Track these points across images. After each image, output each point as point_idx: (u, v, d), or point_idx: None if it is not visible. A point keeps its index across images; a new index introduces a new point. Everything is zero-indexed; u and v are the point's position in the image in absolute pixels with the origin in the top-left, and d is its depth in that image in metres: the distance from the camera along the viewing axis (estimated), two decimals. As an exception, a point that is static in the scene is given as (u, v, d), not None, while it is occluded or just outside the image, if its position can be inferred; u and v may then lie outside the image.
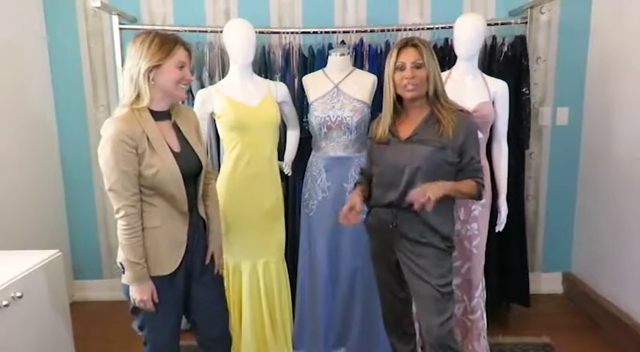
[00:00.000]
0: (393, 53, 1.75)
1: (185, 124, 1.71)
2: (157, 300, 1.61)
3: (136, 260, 1.55)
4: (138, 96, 1.55)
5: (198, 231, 1.76)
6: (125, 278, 1.60)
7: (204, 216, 1.79)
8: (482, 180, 1.81)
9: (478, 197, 1.81)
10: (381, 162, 1.81)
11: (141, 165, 1.53)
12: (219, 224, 1.89)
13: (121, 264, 1.60)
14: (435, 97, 1.76)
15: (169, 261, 1.64)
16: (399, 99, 1.80)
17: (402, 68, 1.73)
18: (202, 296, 1.78)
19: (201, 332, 1.84)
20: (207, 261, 1.80)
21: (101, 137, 1.53)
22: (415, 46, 1.73)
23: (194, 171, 1.70)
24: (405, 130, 1.79)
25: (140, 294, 1.58)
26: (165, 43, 1.54)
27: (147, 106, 1.57)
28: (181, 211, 1.65)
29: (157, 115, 1.61)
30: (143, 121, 1.55)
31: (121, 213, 1.53)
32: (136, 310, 1.66)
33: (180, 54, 1.58)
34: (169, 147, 1.61)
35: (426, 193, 1.57)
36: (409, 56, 1.73)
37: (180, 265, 1.65)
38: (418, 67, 1.72)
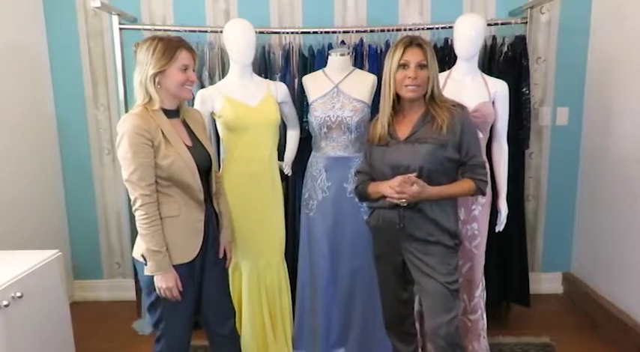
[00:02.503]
0: (398, 51, 1.74)
1: (193, 123, 1.81)
2: (181, 288, 1.65)
3: (157, 248, 1.60)
4: (150, 99, 1.64)
5: (212, 222, 1.82)
6: (148, 270, 1.62)
7: (217, 211, 1.85)
8: (485, 176, 1.81)
9: (480, 192, 1.81)
10: (382, 164, 1.80)
11: (157, 157, 1.60)
12: (230, 220, 1.95)
13: (142, 256, 1.63)
14: (432, 97, 1.77)
15: (189, 249, 1.69)
16: (396, 99, 1.80)
17: (405, 66, 1.73)
18: (213, 290, 1.83)
19: (213, 328, 1.88)
20: (221, 255, 1.87)
21: (117, 134, 1.61)
22: (420, 46, 1.73)
23: (205, 165, 1.77)
24: (403, 130, 1.79)
25: (165, 282, 1.62)
26: (167, 48, 1.62)
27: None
28: (197, 200, 1.70)
29: (168, 113, 1.69)
30: (156, 117, 1.64)
31: (139, 203, 1.58)
32: (154, 304, 1.69)
33: (182, 57, 1.65)
34: (182, 141, 1.69)
35: (405, 190, 1.64)
36: (414, 56, 1.72)
37: (198, 253, 1.71)
38: (422, 67, 1.72)
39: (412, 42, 1.74)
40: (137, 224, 1.61)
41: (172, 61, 1.62)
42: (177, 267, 1.66)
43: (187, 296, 1.71)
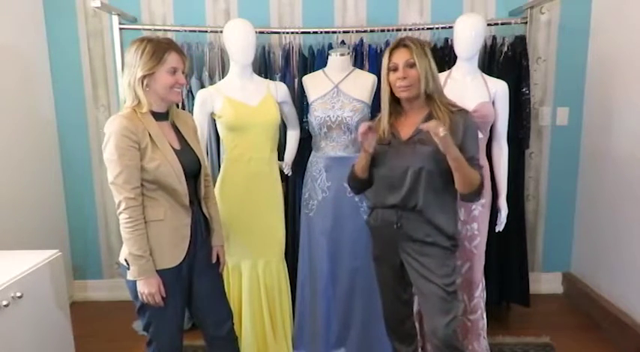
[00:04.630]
0: (386, 55, 1.76)
1: (184, 127, 1.77)
2: (164, 294, 1.63)
3: (140, 253, 1.57)
4: (139, 102, 1.61)
5: (201, 226, 1.79)
6: (131, 274, 1.60)
7: (207, 215, 1.83)
8: (482, 177, 1.80)
9: (477, 194, 1.75)
10: (383, 163, 1.80)
11: (143, 160, 1.57)
12: (221, 224, 1.92)
13: (125, 260, 1.61)
14: (432, 96, 1.75)
15: (174, 254, 1.66)
16: (397, 100, 1.80)
17: (394, 69, 1.74)
18: (207, 294, 1.81)
19: (210, 331, 1.87)
20: (214, 260, 1.85)
21: (104, 134, 1.58)
22: (406, 45, 1.73)
23: (194, 169, 1.74)
24: (406, 131, 1.79)
25: (148, 288, 1.59)
26: (156, 50, 1.59)
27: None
28: (183, 205, 1.68)
29: (157, 116, 1.67)
30: (144, 120, 1.61)
31: (123, 206, 1.56)
32: (142, 308, 1.67)
33: (171, 60, 1.62)
34: (170, 144, 1.66)
35: (439, 128, 1.56)
36: (401, 56, 1.72)
37: (184, 258, 1.68)
38: (410, 66, 1.71)
39: (398, 44, 1.74)
40: (121, 227, 1.58)
41: (161, 64, 1.59)
42: (162, 272, 1.62)
43: (175, 300, 1.68)
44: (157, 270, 1.62)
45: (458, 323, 1.81)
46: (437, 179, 1.72)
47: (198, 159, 1.76)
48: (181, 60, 1.66)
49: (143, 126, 1.59)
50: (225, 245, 2.21)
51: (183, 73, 1.68)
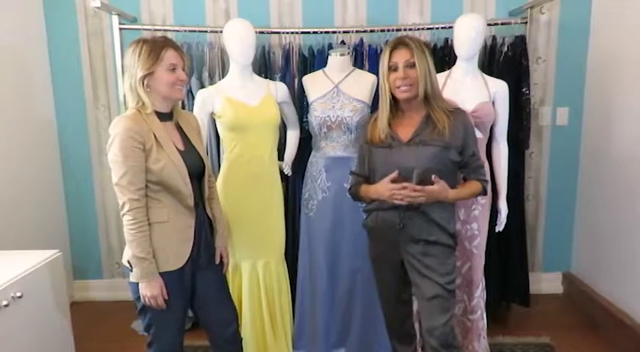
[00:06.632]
0: (386, 54, 1.75)
1: (187, 127, 1.77)
2: (166, 296, 1.62)
3: (143, 255, 1.57)
4: (143, 103, 1.61)
5: (205, 228, 1.78)
6: (133, 276, 1.60)
7: (210, 216, 1.82)
8: (485, 175, 1.83)
9: (483, 192, 1.84)
10: (385, 165, 1.78)
11: (148, 161, 1.57)
12: (224, 225, 1.92)
13: (128, 262, 1.61)
14: (429, 98, 1.75)
15: (177, 256, 1.66)
16: (395, 101, 1.80)
17: (394, 68, 1.73)
18: (211, 295, 1.80)
19: (215, 331, 1.86)
20: (217, 261, 1.84)
21: (109, 135, 1.58)
22: (406, 45, 1.72)
23: (198, 170, 1.74)
24: (405, 132, 1.78)
25: (150, 290, 1.59)
26: (152, 49, 1.59)
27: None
28: (187, 206, 1.67)
29: (161, 116, 1.67)
30: (149, 121, 1.61)
31: (126, 208, 1.55)
32: (144, 309, 1.67)
33: (169, 56, 1.61)
34: (174, 145, 1.66)
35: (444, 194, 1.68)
36: (401, 56, 1.72)
37: (187, 260, 1.68)
38: (411, 66, 1.72)
39: (398, 43, 1.74)
40: (124, 229, 1.57)
41: (159, 62, 1.59)
42: (165, 274, 1.62)
43: (177, 302, 1.68)
44: (159, 273, 1.61)
45: (454, 321, 1.81)
46: (442, 179, 1.72)
47: (202, 160, 1.76)
48: (179, 56, 1.65)
49: (148, 127, 1.59)
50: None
51: (183, 69, 1.67)
